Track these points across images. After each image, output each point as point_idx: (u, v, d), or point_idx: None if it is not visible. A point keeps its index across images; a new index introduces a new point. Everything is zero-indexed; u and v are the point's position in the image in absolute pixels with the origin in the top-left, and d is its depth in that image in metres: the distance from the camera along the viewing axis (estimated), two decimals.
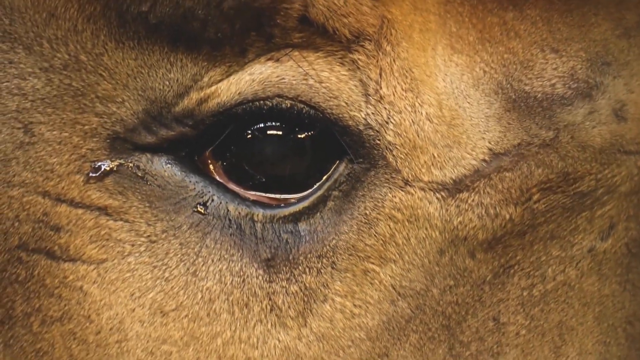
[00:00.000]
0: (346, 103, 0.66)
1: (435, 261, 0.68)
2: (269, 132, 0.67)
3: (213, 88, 0.66)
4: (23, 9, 0.66)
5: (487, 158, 0.68)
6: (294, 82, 0.66)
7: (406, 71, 0.67)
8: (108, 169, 0.66)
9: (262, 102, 0.66)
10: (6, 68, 0.66)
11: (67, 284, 0.65)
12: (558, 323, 0.70)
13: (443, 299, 0.68)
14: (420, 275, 0.67)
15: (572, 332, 0.71)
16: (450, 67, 0.69)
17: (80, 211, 0.66)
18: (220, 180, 0.67)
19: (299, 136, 0.67)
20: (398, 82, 0.67)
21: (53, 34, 0.66)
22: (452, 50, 0.69)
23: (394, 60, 0.67)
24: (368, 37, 0.66)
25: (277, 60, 0.66)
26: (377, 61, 0.67)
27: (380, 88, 0.67)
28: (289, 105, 0.66)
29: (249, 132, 0.67)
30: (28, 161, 0.66)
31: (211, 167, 0.68)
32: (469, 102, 0.69)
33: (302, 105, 0.66)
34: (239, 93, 0.66)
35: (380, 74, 0.67)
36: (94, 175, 0.66)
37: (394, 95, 0.67)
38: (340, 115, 0.66)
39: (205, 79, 0.66)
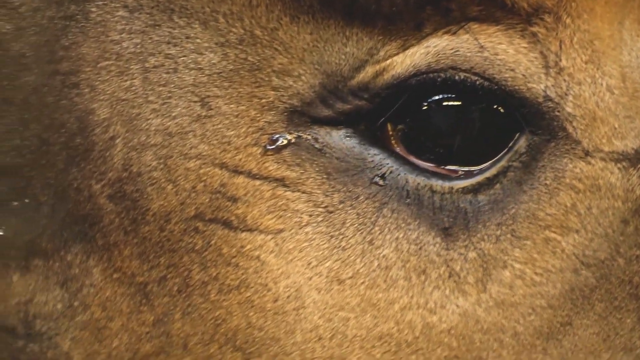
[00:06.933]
0: (524, 75, 0.67)
1: (619, 231, 0.68)
2: (445, 103, 0.68)
3: (388, 61, 0.67)
4: None
5: None
6: (468, 54, 0.66)
7: (587, 43, 0.67)
8: (286, 141, 0.68)
9: (435, 74, 0.66)
10: (183, 43, 0.67)
11: (244, 254, 0.66)
12: None
13: (630, 268, 0.68)
14: (604, 245, 0.68)
15: None
16: (638, 42, 0.68)
17: (257, 182, 0.67)
18: (400, 153, 0.68)
19: (476, 108, 0.68)
20: (578, 54, 0.67)
21: (228, 9, 0.67)
22: None
23: (574, 33, 0.67)
24: (547, 10, 0.66)
25: (454, 33, 0.66)
26: (556, 34, 0.67)
27: (560, 60, 0.67)
28: (462, 77, 0.66)
29: (425, 104, 0.67)
30: (205, 134, 0.67)
31: (392, 140, 0.68)
32: None
33: (476, 77, 0.66)
34: (413, 65, 0.66)
35: (560, 47, 0.67)
36: (271, 147, 0.67)
37: (573, 67, 0.67)
38: (517, 87, 0.67)
39: (382, 53, 0.67)
